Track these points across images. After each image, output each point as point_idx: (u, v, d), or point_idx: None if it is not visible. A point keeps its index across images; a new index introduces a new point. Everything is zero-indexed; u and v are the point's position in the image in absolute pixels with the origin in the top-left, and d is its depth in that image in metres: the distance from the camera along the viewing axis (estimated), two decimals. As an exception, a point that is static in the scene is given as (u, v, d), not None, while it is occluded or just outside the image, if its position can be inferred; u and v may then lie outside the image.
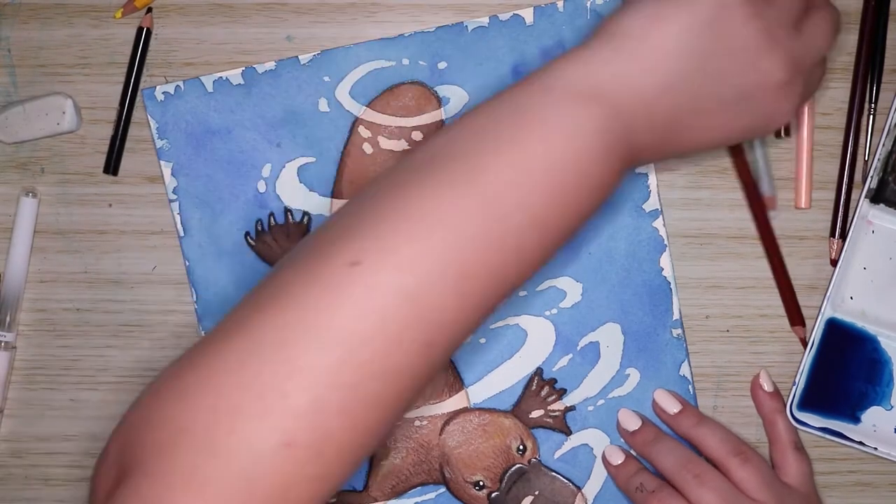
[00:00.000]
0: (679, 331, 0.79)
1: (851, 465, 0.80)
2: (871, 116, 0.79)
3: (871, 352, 0.79)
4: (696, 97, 0.56)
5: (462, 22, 0.78)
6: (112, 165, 0.79)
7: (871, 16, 0.79)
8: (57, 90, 0.79)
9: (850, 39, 0.79)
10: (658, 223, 0.79)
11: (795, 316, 0.79)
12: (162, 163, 0.78)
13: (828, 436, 0.78)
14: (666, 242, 0.79)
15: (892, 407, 0.79)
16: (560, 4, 0.78)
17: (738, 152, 0.78)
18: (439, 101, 0.79)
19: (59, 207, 0.79)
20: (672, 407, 0.78)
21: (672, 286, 0.79)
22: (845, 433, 0.78)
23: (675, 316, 0.79)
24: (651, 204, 0.79)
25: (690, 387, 0.79)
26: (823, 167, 0.80)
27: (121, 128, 0.79)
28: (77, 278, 0.80)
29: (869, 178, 0.78)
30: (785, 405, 0.78)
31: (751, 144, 0.78)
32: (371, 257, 0.50)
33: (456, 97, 0.79)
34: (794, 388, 0.78)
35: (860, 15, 0.79)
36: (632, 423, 0.78)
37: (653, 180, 0.79)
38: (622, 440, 0.79)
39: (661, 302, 0.79)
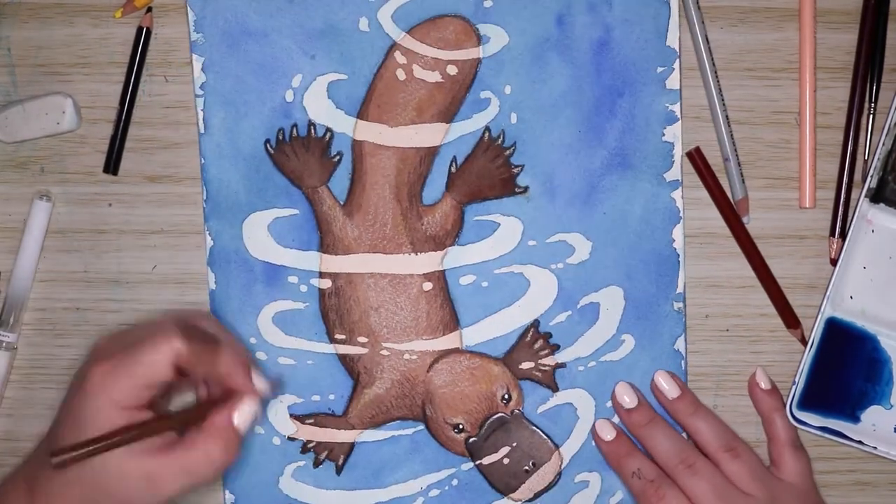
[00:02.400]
0: (680, 304, 0.79)
1: (851, 465, 0.80)
2: (871, 115, 0.79)
3: (871, 351, 0.79)
4: None
5: None
6: (112, 165, 0.79)
7: (871, 15, 0.79)
8: (57, 89, 0.79)
9: (849, 39, 0.79)
10: (676, 194, 0.78)
11: (789, 318, 0.79)
12: (194, 56, 0.78)
13: (827, 435, 0.78)
14: (681, 215, 0.79)
15: (891, 406, 0.79)
16: None
17: (702, 165, 0.78)
18: (479, 39, 0.78)
19: (59, 207, 0.79)
20: (672, 391, 0.77)
21: (681, 259, 0.79)
22: (845, 432, 0.78)
23: (679, 289, 0.79)
24: (673, 174, 0.78)
25: (683, 362, 0.79)
26: (823, 166, 0.80)
27: (120, 127, 0.79)
28: (77, 278, 0.80)
29: (869, 178, 0.78)
30: (783, 402, 0.78)
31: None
32: None
33: (496, 38, 0.78)
34: (794, 387, 0.78)
35: (860, 15, 0.79)
36: (628, 399, 0.78)
37: (678, 150, 0.78)
38: (612, 409, 0.79)
39: (668, 273, 0.79)
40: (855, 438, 0.78)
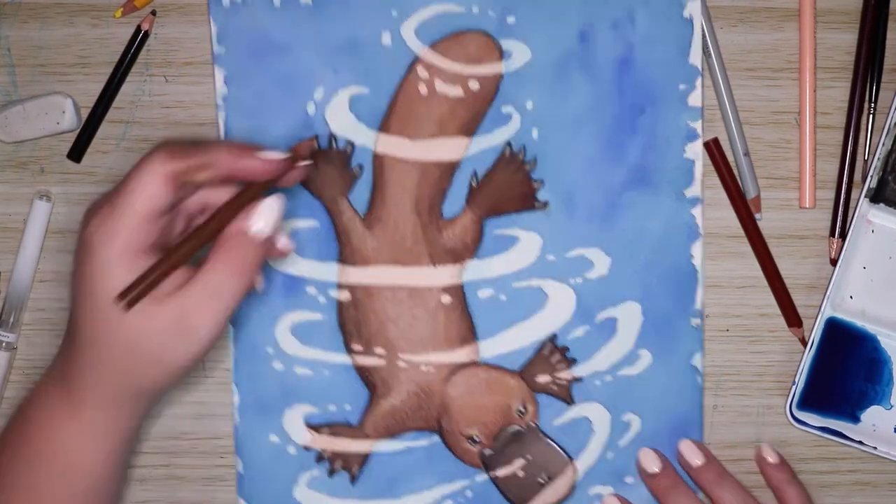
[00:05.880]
0: (698, 321, 0.79)
1: (851, 465, 0.80)
2: (871, 115, 0.79)
3: (871, 351, 0.79)
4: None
5: None
6: (77, 153, 0.79)
7: (871, 15, 0.79)
8: (57, 89, 0.79)
9: (849, 39, 0.79)
10: (696, 211, 0.78)
11: (792, 317, 0.79)
12: (216, 68, 0.78)
13: (827, 435, 0.79)
14: (701, 232, 0.78)
15: (891, 406, 0.79)
16: None
17: (719, 157, 0.78)
18: (501, 55, 0.78)
19: (59, 207, 0.79)
20: (695, 459, 0.77)
21: (699, 276, 0.79)
22: (845, 432, 0.79)
23: (697, 306, 0.79)
24: (693, 191, 0.78)
25: (699, 378, 0.79)
26: (823, 166, 0.80)
27: (94, 119, 0.78)
28: (77, 278, 0.80)
29: (869, 178, 0.78)
30: (793, 473, 0.77)
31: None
32: None
33: (518, 53, 0.78)
34: (794, 387, 0.78)
35: (860, 15, 0.79)
36: (652, 464, 0.78)
37: (699, 168, 0.78)
38: (627, 423, 0.79)
39: (686, 289, 0.79)
40: (855, 438, 0.78)
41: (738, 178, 0.79)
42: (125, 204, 0.61)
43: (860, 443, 0.79)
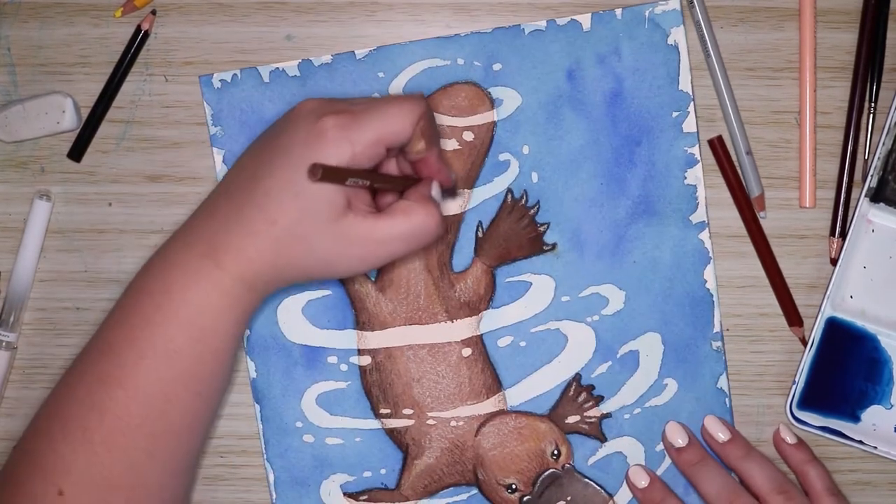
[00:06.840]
0: (719, 343, 0.79)
1: (851, 464, 0.80)
2: (871, 115, 0.79)
3: (871, 351, 0.79)
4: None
5: (519, 24, 0.78)
6: (77, 152, 0.79)
7: (871, 15, 0.79)
8: (57, 89, 0.79)
9: (849, 38, 0.79)
10: (704, 235, 0.79)
11: (793, 316, 0.79)
12: (214, 149, 0.78)
13: (828, 435, 0.78)
14: (711, 255, 0.79)
15: (891, 406, 0.79)
16: (618, 12, 0.78)
17: (723, 154, 0.78)
18: (492, 103, 0.79)
19: (58, 206, 0.79)
20: (721, 435, 0.77)
21: (714, 299, 0.79)
22: (845, 432, 0.79)
23: (716, 329, 0.79)
24: (698, 216, 0.79)
25: (727, 400, 0.79)
26: (823, 166, 0.80)
27: (94, 119, 0.79)
28: (77, 277, 0.80)
29: (869, 177, 0.78)
30: (813, 453, 0.77)
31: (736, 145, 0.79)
32: None
33: (509, 99, 0.78)
34: (794, 386, 0.78)
35: (860, 15, 0.79)
36: (679, 438, 0.78)
37: (701, 192, 0.79)
38: (662, 454, 0.79)
39: (703, 314, 0.79)
40: (855, 438, 0.78)
41: (741, 176, 0.79)
42: (371, 126, 0.64)
43: (860, 442, 0.79)
